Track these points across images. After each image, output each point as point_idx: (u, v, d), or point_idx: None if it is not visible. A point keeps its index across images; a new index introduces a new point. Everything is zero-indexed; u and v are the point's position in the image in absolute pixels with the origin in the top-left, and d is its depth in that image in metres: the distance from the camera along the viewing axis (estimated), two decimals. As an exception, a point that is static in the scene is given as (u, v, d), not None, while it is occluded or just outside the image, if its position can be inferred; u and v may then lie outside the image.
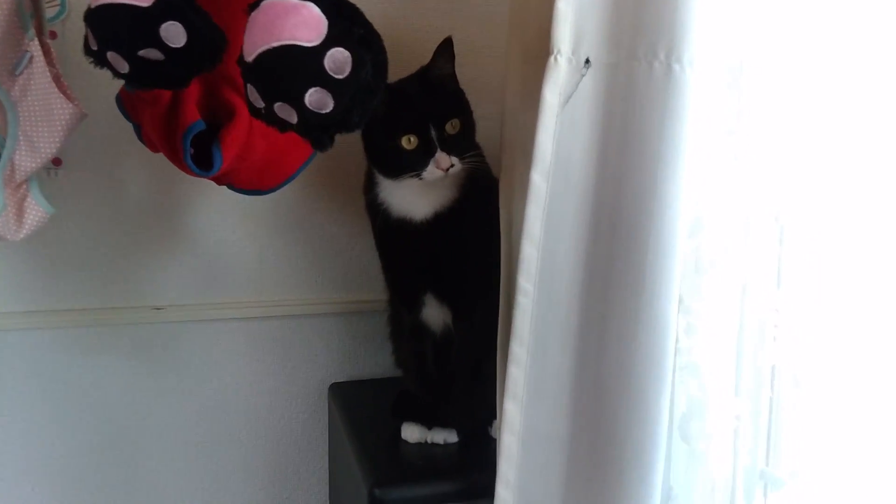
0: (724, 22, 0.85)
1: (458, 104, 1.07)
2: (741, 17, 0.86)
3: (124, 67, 0.79)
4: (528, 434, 0.92)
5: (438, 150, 1.02)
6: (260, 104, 0.75)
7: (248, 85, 0.75)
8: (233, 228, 1.39)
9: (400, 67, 1.00)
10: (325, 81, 0.71)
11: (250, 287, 1.42)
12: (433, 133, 1.02)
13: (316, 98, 0.72)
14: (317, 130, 0.75)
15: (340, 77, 0.71)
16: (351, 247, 1.46)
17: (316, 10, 0.71)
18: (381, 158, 1.06)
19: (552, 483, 0.91)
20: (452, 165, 1.02)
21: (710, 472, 0.91)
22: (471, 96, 1.11)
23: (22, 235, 1.06)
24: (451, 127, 1.04)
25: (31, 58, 1.00)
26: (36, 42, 1.00)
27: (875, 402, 0.93)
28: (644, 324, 0.85)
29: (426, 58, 1.09)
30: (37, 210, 1.06)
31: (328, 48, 0.71)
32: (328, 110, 0.72)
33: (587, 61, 0.85)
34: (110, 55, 0.79)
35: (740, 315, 0.93)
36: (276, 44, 0.71)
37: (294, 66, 0.71)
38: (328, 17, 0.71)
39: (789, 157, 0.91)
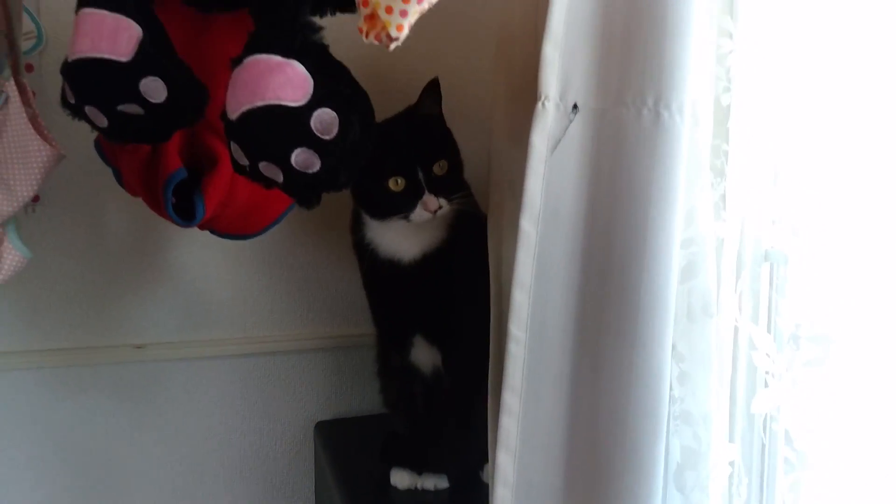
0: (711, 68, 0.84)
1: (445, 145, 1.05)
2: (728, 62, 0.85)
3: (103, 122, 0.77)
4: (522, 485, 0.89)
5: (426, 191, 1.00)
6: (244, 162, 0.73)
7: (232, 143, 0.73)
8: (215, 264, 1.37)
9: (384, 104, 0.99)
10: (312, 142, 0.69)
11: (234, 324, 1.40)
12: (420, 175, 1.00)
13: (302, 158, 0.70)
14: (304, 190, 0.73)
15: (327, 138, 0.69)
16: (336, 281, 1.44)
17: (301, 68, 0.69)
18: (367, 200, 1.05)
19: (545, 535, 0.89)
20: (441, 207, 1.01)
21: (705, 521, 0.89)
22: (454, 131, 1.10)
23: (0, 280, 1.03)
24: (439, 168, 1.02)
25: (7, 98, 0.98)
26: (12, 82, 0.98)
27: (871, 444, 0.91)
28: (637, 373, 0.83)
29: (410, 94, 1.07)
30: (14, 255, 1.03)
31: (314, 108, 0.69)
32: (315, 170, 0.70)
33: (575, 107, 0.84)
34: (88, 109, 0.76)
35: (732, 360, 0.91)
36: (260, 103, 0.69)
37: (279, 127, 0.69)
38: (314, 77, 0.69)
39: (778, 196, 0.90)
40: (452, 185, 1.04)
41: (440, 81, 1.06)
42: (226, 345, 1.39)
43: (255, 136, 0.71)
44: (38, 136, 0.99)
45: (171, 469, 1.40)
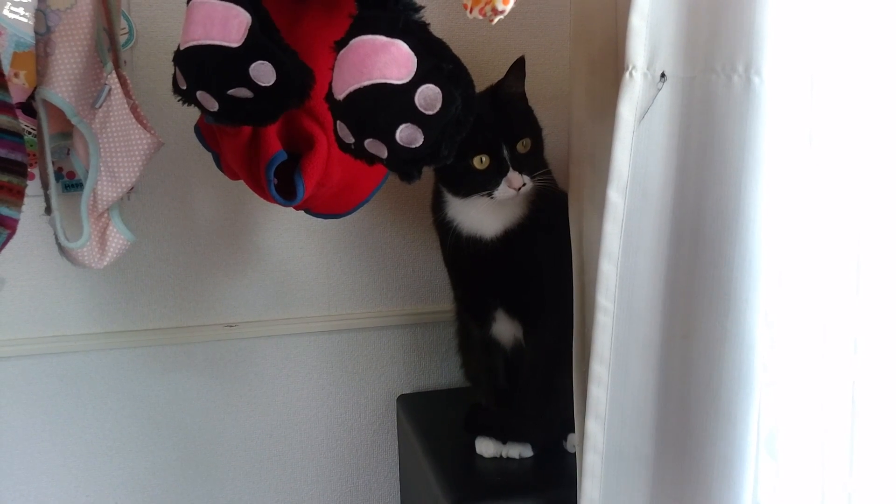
0: (801, 32, 0.82)
1: (529, 124, 1.07)
2: (816, 27, 0.84)
3: (214, 106, 0.80)
4: (612, 453, 0.91)
5: (511, 169, 1.02)
6: (350, 140, 0.76)
7: (339, 122, 0.76)
8: (300, 245, 1.42)
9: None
10: (416, 117, 0.72)
11: (318, 302, 1.45)
12: (505, 153, 1.02)
13: (406, 134, 0.72)
14: (406, 164, 0.75)
15: (431, 113, 0.72)
16: (414, 259, 1.47)
17: (405, 47, 0.71)
18: (451, 178, 1.07)
19: (638, 501, 0.91)
20: (524, 184, 1.02)
21: (798, 488, 0.89)
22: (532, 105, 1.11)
23: (105, 263, 1.09)
24: (523, 146, 1.04)
25: (110, 90, 1.03)
26: (114, 75, 1.03)
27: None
28: (730, 340, 0.83)
29: (484, 68, 1.08)
30: (118, 238, 1.09)
31: (418, 85, 0.72)
32: (418, 145, 0.73)
33: (663, 75, 0.84)
34: (200, 94, 0.81)
35: (823, 326, 0.90)
36: (366, 82, 0.71)
37: (385, 104, 0.72)
38: (417, 55, 0.72)
39: (869, 159, 0.89)
40: (535, 162, 1.06)
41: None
42: (311, 322, 1.44)
43: (361, 114, 0.73)
44: (139, 125, 1.04)
45: (260, 441, 1.46)
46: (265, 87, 0.78)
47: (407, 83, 0.71)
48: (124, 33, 1.27)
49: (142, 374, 1.40)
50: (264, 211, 1.37)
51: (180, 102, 0.86)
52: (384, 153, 0.74)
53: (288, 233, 1.40)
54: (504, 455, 1.16)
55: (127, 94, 1.05)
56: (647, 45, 0.83)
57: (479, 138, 1.00)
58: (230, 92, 0.79)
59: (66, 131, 1.06)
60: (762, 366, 0.86)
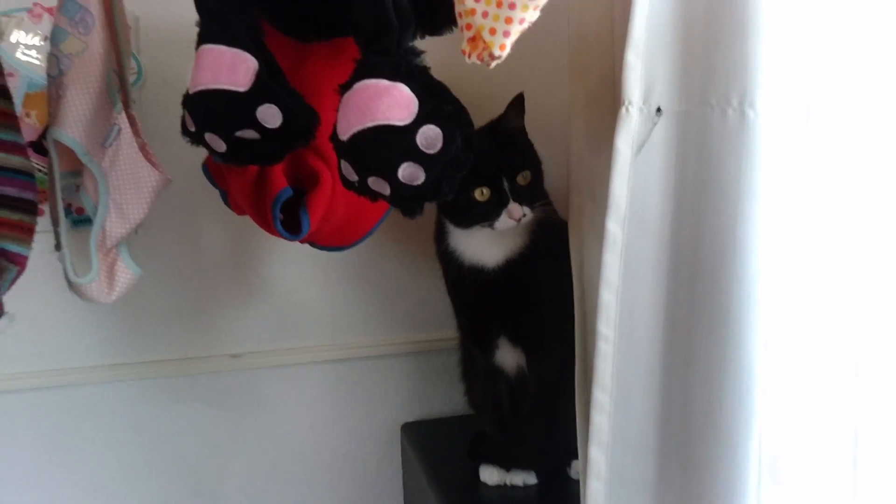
0: (794, 66, 0.85)
1: (529, 157, 1.10)
2: (811, 60, 0.86)
3: (221, 147, 0.83)
4: (615, 480, 0.92)
5: (511, 200, 1.04)
6: (354, 178, 0.78)
7: (342, 161, 0.78)
8: (304, 277, 1.44)
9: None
10: (418, 156, 0.74)
11: (323, 331, 1.46)
12: (506, 185, 1.04)
13: (408, 172, 0.75)
14: (408, 201, 0.78)
15: (432, 152, 0.74)
16: (418, 288, 1.49)
17: (406, 90, 0.74)
18: (452, 209, 1.09)
19: (642, 528, 0.91)
20: (524, 215, 1.05)
21: (802, 512, 0.90)
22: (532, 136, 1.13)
23: (113, 297, 1.11)
24: (523, 178, 1.06)
25: (120, 130, 1.05)
26: (123, 115, 1.06)
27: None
28: (730, 367, 0.85)
29: (485, 102, 1.11)
30: (126, 273, 1.11)
31: (420, 125, 0.74)
32: (419, 182, 0.75)
33: (658, 110, 0.87)
34: (208, 136, 0.83)
35: (824, 353, 0.92)
36: (370, 124, 0.74)
37: (388, 144, 0.74)
38: (418, 97, 0.74)
39: (866, 188, 0.91)
40: (535, 193, 1.08)
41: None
42: (316, 351, 1.45)
43: (365, 153, 0.76)
44: (147, 163, 1.06)
45: (264, 472, 1.46)
46: (272, 129, 0.80)
47: (409, 124, 0.74)
48: (134, 73, 1.29)
49: (148, 406, 1.41)
50: (269, 244, 1.39)
51: (189, 143, 0.88)
52: (387, 191, 0.76)
53: (292, 264, 1.42)
54: (508, 483, 1.17)
55: (136, 132, 1.08)
56: (643, 80, 0.86)
57: (480, 172, 1.02)
58: (238, 134, 0.81)
59: (77, 169, 1.08)
60: (762, 392, 0.87)
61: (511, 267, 1.11)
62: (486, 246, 1.10)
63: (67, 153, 1.04)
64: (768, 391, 0.90)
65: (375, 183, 0.76)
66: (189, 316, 1.40)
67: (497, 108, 1.12)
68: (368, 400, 1.50)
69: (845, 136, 0.87)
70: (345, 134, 0.76)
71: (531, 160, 1.10)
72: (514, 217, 1.04)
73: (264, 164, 0.86)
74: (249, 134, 0.81)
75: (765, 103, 0.81)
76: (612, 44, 0.98)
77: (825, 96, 0.87)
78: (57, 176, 1.06)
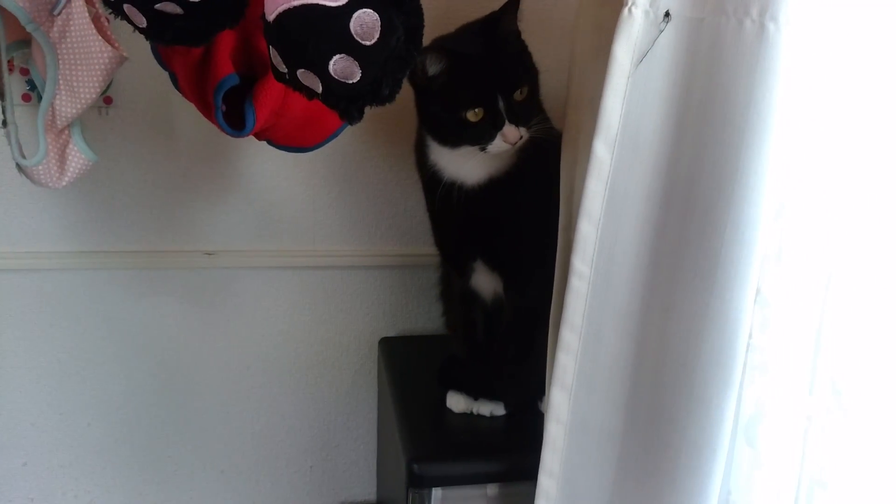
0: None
1: (526, 68, 0.97)
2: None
3: (142, 21, 0.72)
4: (576, 425, 0.85)
5: (507, 122, 0.92)
6: (283, 69, 0.67)
7: (271, 47, 0.67)
8: (285, 175, 1.35)
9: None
10: (351, 48, 0.63)
11: (303, 236, 1.39)
12: (501, 104, 0.92)
13: (341, 66, 0.64)
14: (344, 102, 0.67)
15: (368, 43, 0.62)
16: (405, 199, 1.39)
17: (341, -35, 0.62)
18: (439, 129, 0.98)
19: (600, 478, 0.85)
20: (521, 137, 0.93)
21: (775, 478, 0.83)
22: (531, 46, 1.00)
23: (64, 183, 1.03)
24: (520, 94, 0.94)
25: (70, -3, 0.95)
26: (75, -21, 0.95)
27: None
28: (714, 318, 0.76)
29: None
30: (79, 157, 1.03)
31: (354, 10, 0.62)
32: (355, 80, 0.64)
33: (667, 14, 0.74)
34: (127, 7, 0.72)
35: (822, 309, 0.82)
36: (296, 3, 0.62)
37: (316, 30, 0.63)
38: (355, -27, 0.62)
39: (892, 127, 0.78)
40: (531, 111, 0.96)
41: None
42: (294, 256, 1.38)
43: (291, 39, 0.64)
44: (100, 38, 0.96)
45: (238, 372, 1.43)
46: (194, 3, 0.69)
47: (341, 6, 0.62)
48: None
49: (117, 297, 1.36)
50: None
51: (111, 15, 0.77)
52: (318, 87, 0.66)
53: (273, 160, 1.33)
54: (475, 412, 1.11)
55: (89, 1, 0.97)
56: (652, -23, 0.73)
57: (473, 91, 0.90)
58: (158, 6, 0.70)
59: (25, 39, 0.99)
60: (747, 348, 0.78)
61: (493, 185, 0.99)
62: (468, 163, 0.99)
63: (12, 20, 0.94)
64: (756, 347, 0.81)
65: (305, 76, 0.66)
66: (161, 206, 1.33)
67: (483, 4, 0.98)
68: (347, 311, 1.44)
69: (879, 65, 0.74)
70: (270, 13, 0.64)
71: (529, 72, 0.97)
72: (510, 140, 0.93)
73: (190, 43, 0.76)
74: (171, 7, 0.70)
75: (789, 17, 0.68)
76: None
77: (859, 16, 0.73)
78: (3, 47, 0.97)
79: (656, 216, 0.78)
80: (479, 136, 0.94)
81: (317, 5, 0.61)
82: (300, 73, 0.66)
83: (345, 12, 0.62)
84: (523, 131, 0.95)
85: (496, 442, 1.06)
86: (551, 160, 0.96)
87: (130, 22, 0.75)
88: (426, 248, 1.38)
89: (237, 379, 1.43)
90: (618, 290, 0.80)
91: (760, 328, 0.81)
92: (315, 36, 0.63)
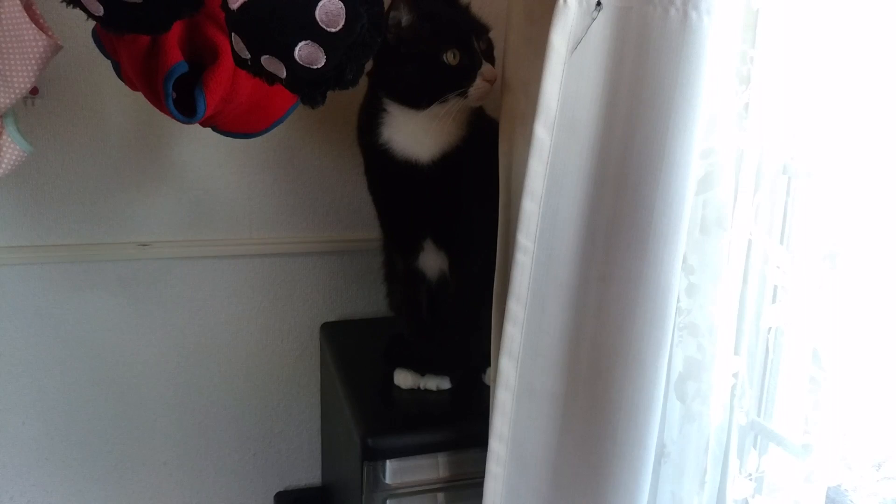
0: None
1: (482, 20, 1.02)
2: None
3: (98, 10, 0.72)
4: (523, 390, 0.90)
5: (483, 62, 0.96)
6: (246, 55, 0.69)
7: (233, 34, 0.69)
8: (220, 163, 1.35)
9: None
10: (317, 35, 0.65)
11: (239, 224, 1.39)
12: (476, 45, 0.96)
13: (306, 52, 0.66)
14: (307, 87, 0.69)
15: (333, 31, 0.65)
16: (342, 184, 1.42)
17: (307, -47, 0.64)
18: (412, 85, 0.98)
19: (546, 438, 0.91)
20: (496, 78, 0.97)
21: (704, 430, 0.90)
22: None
23: (-2, 174, 1.01)
24: (485, 42, 0.99)
25: (-1, -17, 0.92)
26: (3, -35, 0.93)
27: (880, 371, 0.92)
28: (646, 285, 0.82)
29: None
30: (13, 149, 1.01)
31: None
32: (320, 66, 0.67)
33: (598, 3, 0.80)
34: (82, -5, 0.72)
35: (744, 274, 0.90)
36: (261, -9, 0.64)
37: (283, 17, 0.65)
38: (320, -38, 0.65)
39: (802, 106, 0.87)
40: (492, 60, 1.00)
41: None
42: (231, 245, 1.38)
43: (256, 26, 0.66)
44: (33, 25, 0.94)
45: (177, 364, 1.42)
46: (155, -10, 0.70)
47: None
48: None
49: (50, 291, 1.33)
50: (180, 124, 1.29)
51: (65, 4, 0.77)
52: (283, 73, 0.68)
53: (206, 148, 1.33)
54: (422, 387, 1.15)
55: (19, -13, 0.95)
56: (584, -31, 0.78)
57: (448, 31, 0.93)
58: (117, -6, 0.71)
59: (-50, 26, 0.95)
60: (676, 311, 0.86)
61: (446, 162, 1.03)
62: (422, 136, 1.01)
63: (-63, 6, 0.91)
64: (681, 311, 0.89)
65: (270, 63, 0.68)
66: (93, 198, 1.30)
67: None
68: (287, 298, 1.45)
69: (792, 54, 0.82)
70: (235, 2, 0.66)
71: (486, 24, 1.02)
72: (489, 78, 0.96)
73: (148, 32, 0.76)
74: (129, -6, 0.71)
75: (710, 6, 0.75)
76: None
77: (775, 8, 0.81)
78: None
79: (593, 193, 0.84)
80: (461, 79, 0.96)
81: (282, -6, 0.64)
82: (264, 59, 0.67)
83: (310, 1, 0.64)
84: (497, 72, 0.98)
85: (444, 413, 1.10)
86: (492, 141, 1.01)
87: (85, 10, 0.74)
88: (363, 233, 1.42)
89: (176, 370, 1.42)
90: (559, 263, 0.86)
91: (687, 293, 0.88)
92: (281, 23, 0.65)
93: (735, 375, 0.91)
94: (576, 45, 0.80)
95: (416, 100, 0.99)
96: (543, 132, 0.83)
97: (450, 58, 0.96)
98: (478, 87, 0.97)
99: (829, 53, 0.83)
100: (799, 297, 0.88)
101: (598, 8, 0.79)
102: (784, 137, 0.87)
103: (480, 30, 0.99)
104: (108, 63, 1.04)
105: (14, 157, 1.02)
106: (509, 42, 0.98)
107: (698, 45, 0.76)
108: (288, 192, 1.39)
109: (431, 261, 1.13)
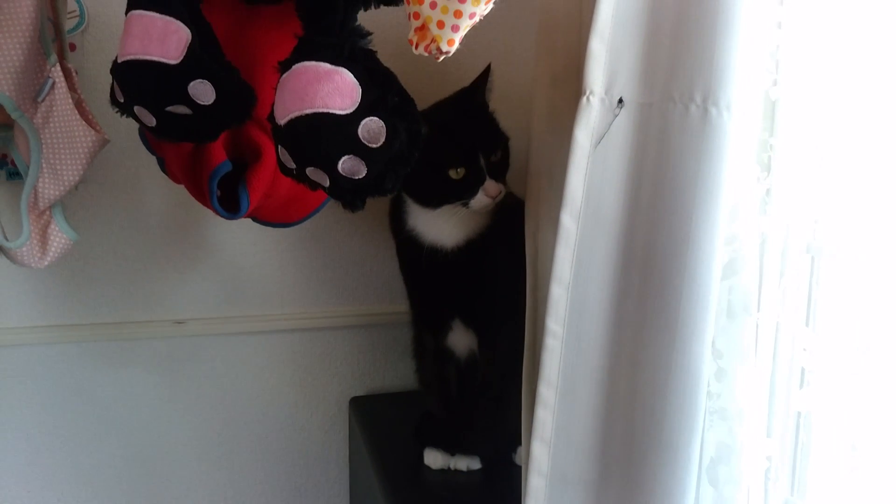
0: (759, 61, 0.82)
1: (499, 132, 1.07)
2: (777, 55, 0.83)
3: (151, 121, 0.77)
4: (556, 476, 0.91)
5: (488, 177, 1.01)
6: (291, 165, 0.73)
7: (280, 146, 0.73)
8: (253, 241, 1.39)
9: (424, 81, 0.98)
10: (359, 150, 0.69)
11: (271, 300, 1.42)
12: (482, 161, 1.01)
13: (349, 165, 0.70)
14: (349, 194, 0.73)
15: (374, 146, 0.69)
16: (372, 258, 1.45)
17: (349, 76, 0.69)
18: (423, 190, 1.05)
19: (579, 525, 0.91)
20: (501, 192, 1.02)
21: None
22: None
23: (46, 263, 1.05)
24: (496, 156, 1.03)
25: (53, 84, 0.99)
26: (58, 67, 0.99)
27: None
28: (676, 369, 0.83)
29: (445, 72, 1.06)
30: (61, 237, 1.06)
31: (362, 117, 0.69)
32: (361, 176, 0.70)
33: (620, 101, 0.83)
34: (137, 109, 0.77)
35: (773, 357, 0.91)
36: (308, 111, 0.68)
37: (327, 135, 0.69)
38: (362, 85, 0.69)
39: (824, 190, 0.89)
40: (506, 169, 1.05)
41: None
42: (262, 321, 1.41)
43: (302, 142, 0.71)
44: (83, 122, 1.00)
45: (208, 440, 1.43)
46: (204, 106, 0.75)
47: (350, 114, 0.69)
48: (75, 16, 1.21)
49: (88, 370, 1.36)
50: (216, 208, 1.34)
51: (118, 114, 0.82)
52: (326, 182, 0.72)
53: (240, 228, 1.37)
54: (452, 467, 1.15)
55: (72, 87, 1.01)
56: (606, 69, 0.82)
57: (455, 150, 0.99)
58: (168, 109, 0.75)
59: (8, 123, 1.02)
60: (706, 395, 0.86)
61: (471, 247, 1.07)
62: (447, 226, 1.06)
63: (-3, 107, 0.97)
64: (713, 394, 0.90)
65: (314, 173, 0.72)
66: (131, 278, 1.35)
67: (456, 73, 1.07)
68: (317, 372, 1.47)
69: (811, 140, 0.85)
70: (281, 118, 0.70)
71: (502, 136, 1.07)
72: (491, 194, 1.01)
73: (198, 141, 0.81)
74: (181, 109, 0.75)
75: (729, 102, 0.78)
76: (579, 26, 0.93)
77: (792, 99, 0.84)
78: (-15, 132, 1.00)
79: (620, 279, 0.86)
80: (463, 192, 1.02)
81: (327, 113, 0.68)
82: (309, 170, 0.71)
83: (353, 120, 0.68)
84: (501, 186, 1.03)
85: (476, 496, 1.10)
86: (518, 222, 1.04)
87: (139, 121, 0.79)
88: (393, 306, 1.44)
89: (207, 446, 1.44)
90: (588, 348, 0.87)
91: (716, 377, 0.89)
92: (325, 140, 0.69)
93: (769, 459, 0.91)
94: (599, 139, 0.84)
95: (426, 202, 1.06)
96: (570, 221, 0.86)
97: (453, 174, 1.02)
98: (479, 200, 1.03)
99: (848, 134, 0.86)
100: (827, 379, 0.88)
101: (620, 105, 0.83)
102: (807, 220, 0.89)
103: (495, 143, 1.05)
104: (147, 153, 1.10)
105: (61, 246, 1.06)
106: (534, 130, 1.02)
107: (719, 140, 0.79)
108: (319, 267, 1.43)
109: (460, 340, 1.15)
